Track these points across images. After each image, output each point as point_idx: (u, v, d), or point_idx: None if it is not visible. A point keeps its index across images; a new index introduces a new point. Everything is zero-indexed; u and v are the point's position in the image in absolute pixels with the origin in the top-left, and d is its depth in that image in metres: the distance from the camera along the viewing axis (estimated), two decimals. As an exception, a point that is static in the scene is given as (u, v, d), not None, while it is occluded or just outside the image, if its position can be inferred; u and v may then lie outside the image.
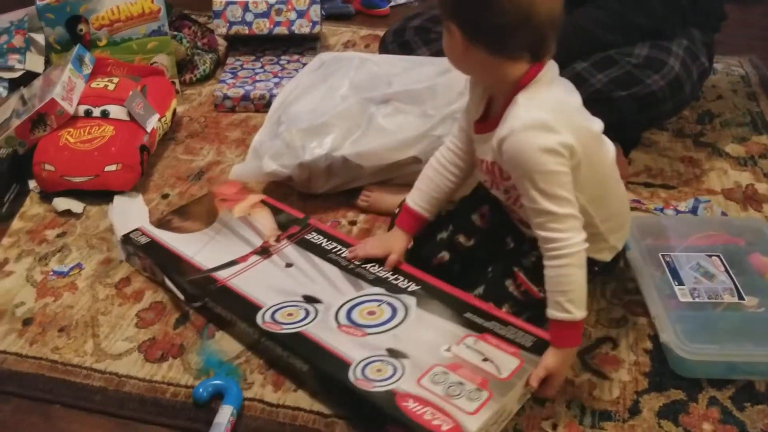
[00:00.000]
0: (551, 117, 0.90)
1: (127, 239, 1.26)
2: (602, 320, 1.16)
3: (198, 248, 1.23)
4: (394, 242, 1.15)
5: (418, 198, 1.13)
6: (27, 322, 1.19)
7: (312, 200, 1.44)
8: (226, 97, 1.81)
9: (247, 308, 1.09)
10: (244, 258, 1.20)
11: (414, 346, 1.00)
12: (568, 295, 0.92)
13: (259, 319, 1.07)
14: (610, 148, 1.03)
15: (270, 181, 1.46)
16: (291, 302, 1.10)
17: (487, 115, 1.01)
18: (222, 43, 2.10)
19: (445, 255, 1.16)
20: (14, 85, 1.88)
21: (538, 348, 0.96)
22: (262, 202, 1.35)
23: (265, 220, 1.29)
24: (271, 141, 1.41)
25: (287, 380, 1.06)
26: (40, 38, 1.94)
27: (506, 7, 0.87)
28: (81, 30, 1.76)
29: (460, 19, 0.91)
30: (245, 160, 1.45)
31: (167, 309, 1.21)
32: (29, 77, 1.89)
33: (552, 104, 0.92)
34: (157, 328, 1.17)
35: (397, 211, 1.17)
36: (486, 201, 1.16)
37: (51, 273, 1.30)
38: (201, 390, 1.02)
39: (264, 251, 1.22)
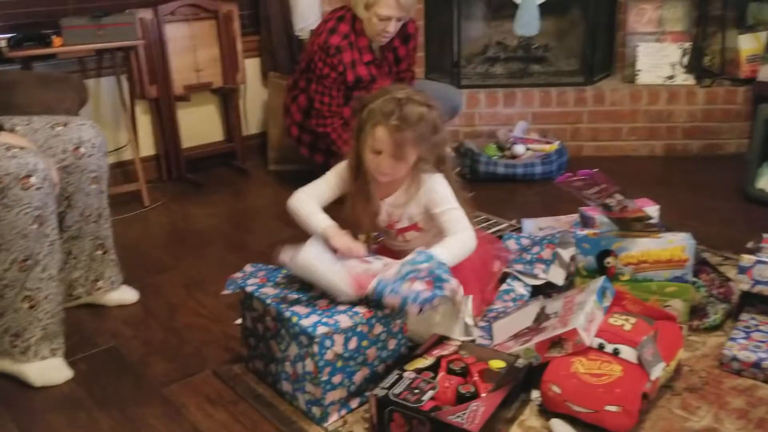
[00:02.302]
0: None
1: None
2: None
3: None
4: None
5: None
6: None
7: None
8: (734, 358, 1.74)
9: None
10: None
11: None
12: None
13: None
14: None
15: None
16: None
17: None
18: (737, 293, 2.04)
19: None
20: (534, 290, 2.12)
21: None
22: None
23: None
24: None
25: None
26: (565, 254, 2.16)
27: None
28: (608, 263, 1.90)
29: None
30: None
31: None
32: (548, 286, 2.12)
33: None
34: None
35: None
36: None
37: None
38: None
39: None
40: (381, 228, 2.04)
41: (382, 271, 1.71)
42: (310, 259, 1.67)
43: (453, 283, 1.69)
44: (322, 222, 1.88)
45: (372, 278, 1.66)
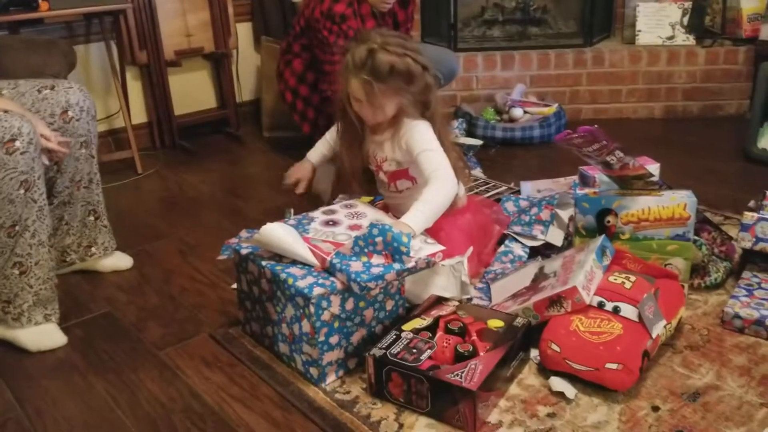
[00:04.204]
0: None
1: None
2: None
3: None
4: None
5: None
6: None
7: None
8: (736, 315, 1.72)
9: None
10: None
11: None
12: None
13: None
14: None
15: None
16: None
17: None
18: (738, 252, 2.02)
19: None
20: (533, 252, 2.10)
21: None
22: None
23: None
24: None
25: None
26: (564, 215, 2.13)
27: None
28: (608, 222, 1.87)
29: None
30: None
31: None
32: (546, 247, 2.09)
33: None
34: None
35: None
36: None
37: (538, 454, 1.37)
38: None
39: None
40: (369, 165, 2.03)
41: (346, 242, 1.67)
42: (276, 228, 1.63)
43: (422, 253, 1.62)
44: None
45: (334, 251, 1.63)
